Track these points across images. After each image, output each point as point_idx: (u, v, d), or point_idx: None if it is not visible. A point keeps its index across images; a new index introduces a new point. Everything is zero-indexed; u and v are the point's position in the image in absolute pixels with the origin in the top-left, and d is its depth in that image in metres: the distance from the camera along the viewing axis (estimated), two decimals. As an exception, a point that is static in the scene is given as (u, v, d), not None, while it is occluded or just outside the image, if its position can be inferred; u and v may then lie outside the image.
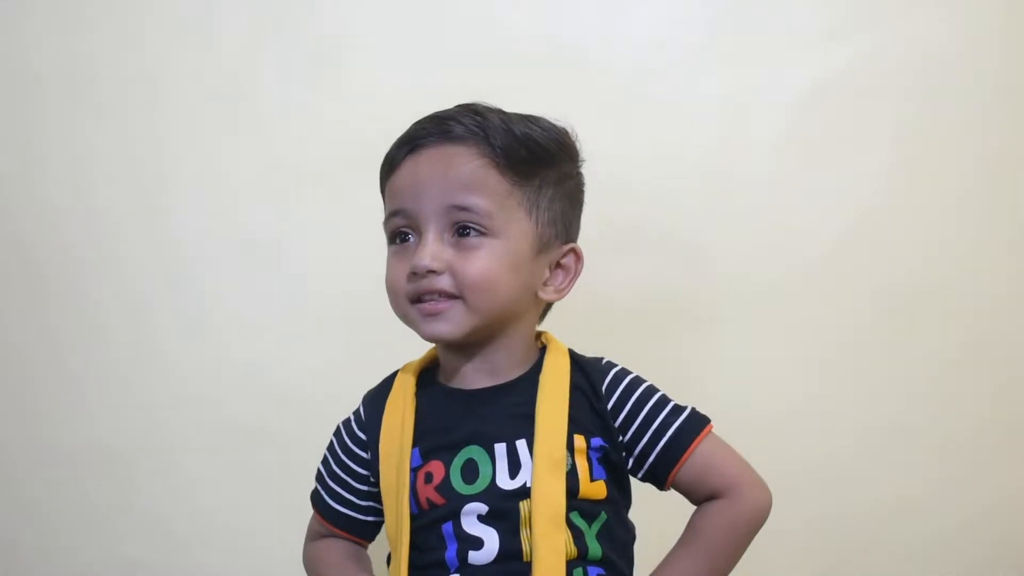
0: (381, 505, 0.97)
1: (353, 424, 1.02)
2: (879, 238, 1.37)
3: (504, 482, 0.90)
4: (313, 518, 1.05)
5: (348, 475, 1.00)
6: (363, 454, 0.99)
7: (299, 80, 1.38)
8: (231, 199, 1.38)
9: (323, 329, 1.35)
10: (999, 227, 1.37)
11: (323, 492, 1.02)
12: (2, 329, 1.38)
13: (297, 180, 1.36)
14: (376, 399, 1.00)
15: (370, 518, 1.01)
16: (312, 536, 1.05)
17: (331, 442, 1.03)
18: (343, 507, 1.01)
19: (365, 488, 1.00)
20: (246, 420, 1.36)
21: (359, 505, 1.00)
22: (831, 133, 1.37)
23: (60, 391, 1.37)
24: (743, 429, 1.29)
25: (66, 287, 1.38)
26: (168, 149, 1.38)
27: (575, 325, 1.27)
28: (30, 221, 1.38)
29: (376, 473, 0.97)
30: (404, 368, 1.01)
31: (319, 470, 1.03)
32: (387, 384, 1.01)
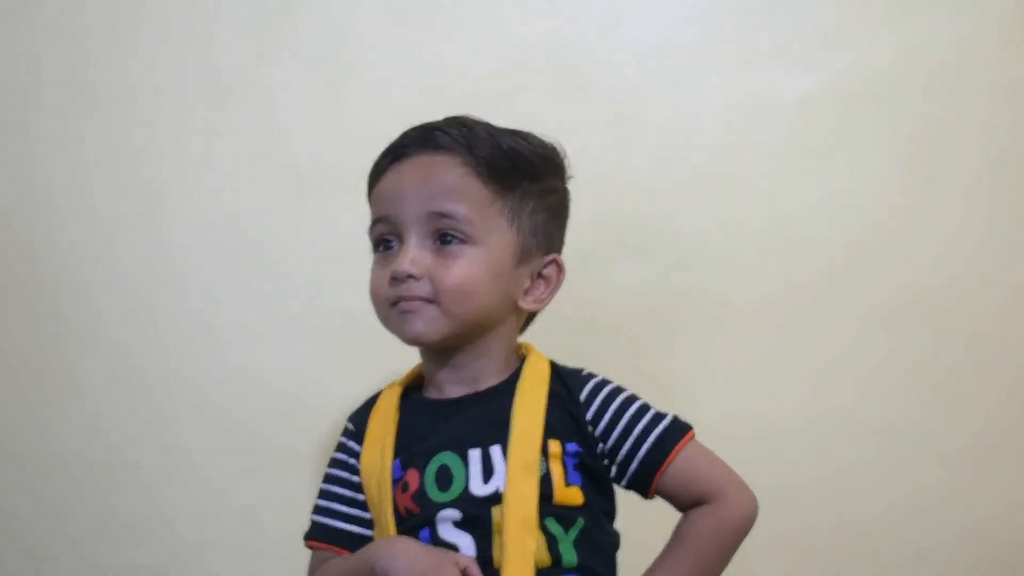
0: None
1: (347, 441, 1.01)
2: (882, 242, 1.35)
3: (477, 488, 0.91)
4: (312, 560, 0.99)
5: (352, 489, 0.99)
6: (359, 466, 0.99)
7: (302, 85, 1.39)
8: (233, 204, 1.39)
9: (327, 334, 1.35)
10: (1004, 231, 1.34)
11: (326, 518, 0.99)
12: (7, 335, 1.40)
13: (300, 185, 1.38)
14: (362, 414, 1.02)
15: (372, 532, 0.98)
16: None
17: (326, 474, 1.01)
18: (351, 524, 0.98)
19: (364, 498, 0.98)
20: (249, 426, 1.37)
21: (367, 519, 0.98)
22: (833, 138, 1.36)
23: (66, 396, 1.39)
24: (745, 437, 1.30)
25: (68, 293, 1.39)
26: (169, 154, 1.39)
27: (574, 331, 1.29)
28: (31, 226, 1.40)
29: None
30: (389, 385, 1.03)
31: (318, 505, 1.00)
32: (371, 402, 1.03)
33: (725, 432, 1.21)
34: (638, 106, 1.38)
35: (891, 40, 1.36)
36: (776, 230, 1.36)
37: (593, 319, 1.35)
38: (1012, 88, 1.35)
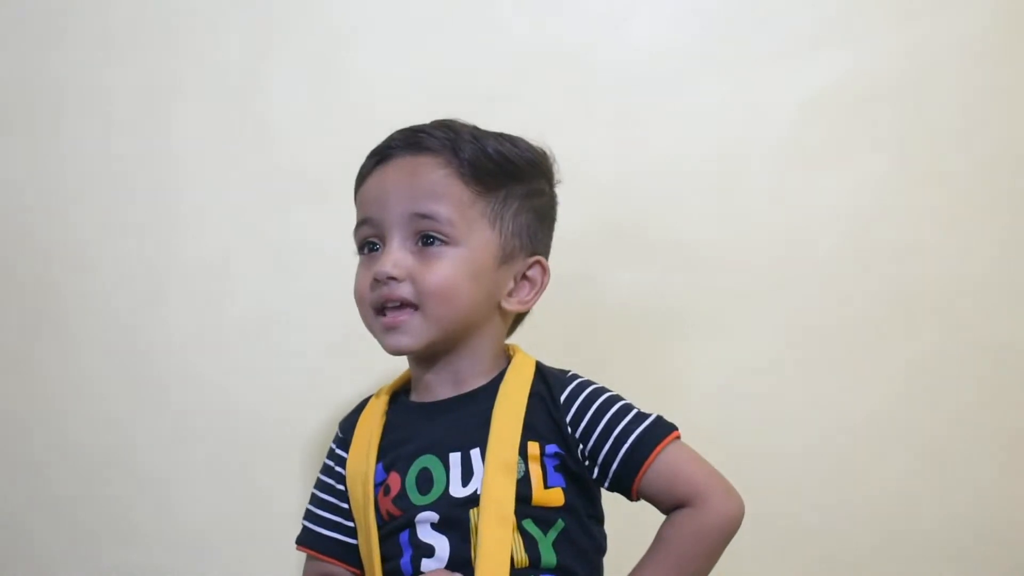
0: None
1: (335, 448, 1.03)
2: (876, 243, 1.33)
3: (456, 490, 0.91)
4: (305, 565, 1.02)
5: (336, 497, 1.00)
6: (344, 473, 1.00)
7: (305, 85, 1.40)
8: (240, 205, 1.40)
9: (336, 334, 1.35)
10: (993, 232, 1.32)
11: (313, 524, 1.01)
12: (16, 332, 1.42)
13: (304, 185, 1.38)
14: (350, 420, 1.03)
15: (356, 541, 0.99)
16: None
17: (317, 479, 1.03)
18: (335, 532, 0.99)
19: (348, 507, 0.99)
20: (255, 424, 1.37)
21: (350, 527, 0.99)
22: (829, 139, 1.34)
23: (72, 394, 1.40)
24: (742, 433, 1.29)
25: (76, 291, 1.40)
26: (179, 155, 1.41)
27: (574, 332, 1.30)
28: (43, 227, 1.42)
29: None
30: (378, 391, 1.03)
31: (308, 509, 1.02)
32: (360, 407, 1.04)
33: (725, 431, 1.22)
34: (638, 106, 1.37)
35: (890, 41, 1.34)
36: (776, 229, 1.34)
37: (594, 320, 1.34)
38: (1002, 90, 1.34)
